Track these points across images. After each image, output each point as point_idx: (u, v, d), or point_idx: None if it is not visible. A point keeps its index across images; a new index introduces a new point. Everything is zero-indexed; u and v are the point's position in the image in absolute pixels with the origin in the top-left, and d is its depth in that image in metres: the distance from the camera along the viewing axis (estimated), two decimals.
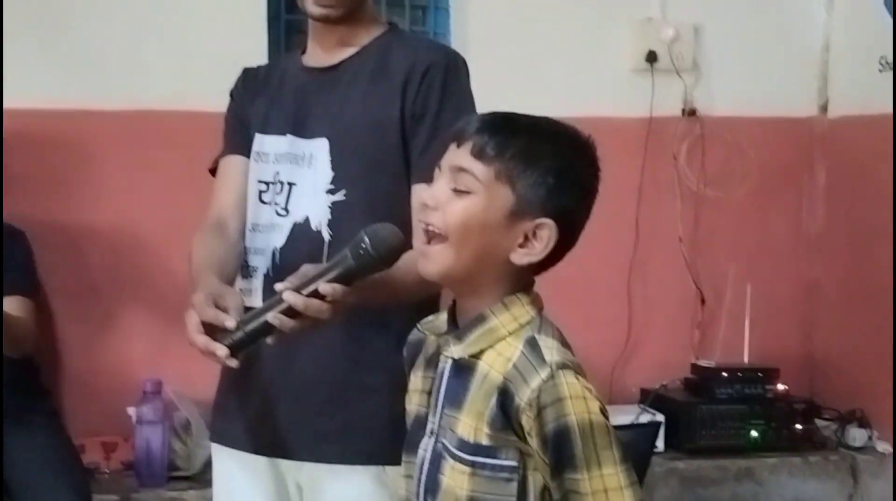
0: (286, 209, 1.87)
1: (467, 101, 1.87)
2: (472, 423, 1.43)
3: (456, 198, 1.44)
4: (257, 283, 1.89)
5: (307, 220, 1.85)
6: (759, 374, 3.22)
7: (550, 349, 1.42)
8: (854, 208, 3.47)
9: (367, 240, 1.52)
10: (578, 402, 1.38)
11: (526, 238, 1.43)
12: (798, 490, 3.18)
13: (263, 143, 1.93)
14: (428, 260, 1.46)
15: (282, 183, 1.88)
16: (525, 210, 1.42)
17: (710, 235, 3.48)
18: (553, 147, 1.44)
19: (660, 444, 3.11)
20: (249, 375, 1.85)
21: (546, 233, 1.43)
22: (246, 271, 1.92)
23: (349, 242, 1.59)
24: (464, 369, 1.46)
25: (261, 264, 1.89)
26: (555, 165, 1.43)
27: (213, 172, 2.04)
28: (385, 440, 1.77)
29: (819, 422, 3.32)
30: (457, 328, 1.49)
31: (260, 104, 1.96)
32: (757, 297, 3.32)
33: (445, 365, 1.49)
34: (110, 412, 2.98)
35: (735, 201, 3.46)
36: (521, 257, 1.44)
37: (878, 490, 3.21)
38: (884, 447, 3.25)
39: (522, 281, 1.47)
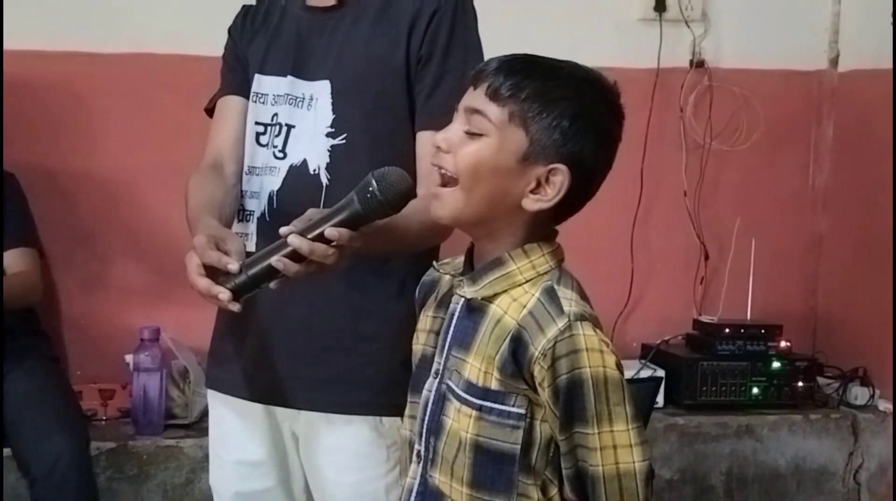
0: (283, 152, 1.88)
1: (475, 45, 1.88)
2: (481, 366, 1.44)
3: (468, 140, 1.45)
4: (252, 227, 1.90)
5: (305, 163, 1.86)
6: (762, 331, 3.27)
7: (569, 300, 1.43)
8: (862, 164, 3.50)
9: (374, 184, 1.52)
10: (594, 355, 1.39)
11: (538, 184, 1.43)
12: (798, 447, 3.24)
13: (262, 83, 1.93)
14: (440, 202, 1.47)
15: (280, 125, 1.89)
16: (538, 154, 1.43)
17: (715, 188, 3.51)
18: (571, 90, 1.43)
19: (660, 400, 3.17)
20: (245, 321, 1.86)
21: (559, 179, 1.43)
22: (241, 214, 1.92)
23: (348, 186, 1.60)
24: (475, 310, 1.48)
25: (256, 207, 1.90)
26: (571, 109, 1.42)
27: (209, 112, 2.04)
28: (382, 390, 1.80)
29: (821, 380, 3.38)
30: (473, 270, 1.50)
31: (259, 43, 1.95)
32: (761, 252, 3.37)
33: (457, 306, 1.51)
34: (107, 359, 3.04)
35: (741, 154, 3.49)
36: (532, 204, 1.44)
37: (879, 448, 3.28)
38: (885, 405, 3.31)
39: (542, 230, 1.48)
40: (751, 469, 3.22)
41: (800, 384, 3.28)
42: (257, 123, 1.93)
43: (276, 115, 1.91)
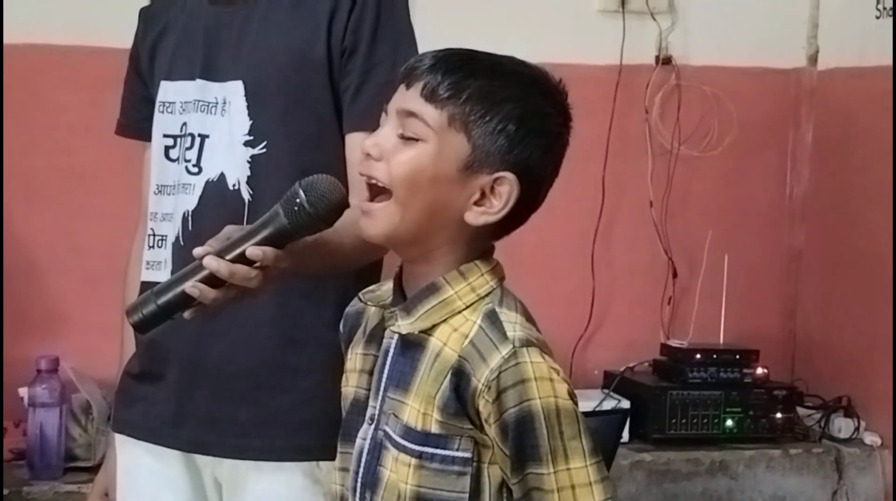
0: (198, 166, 1.81)
1: (406, 33, 1.81)
2: (420, 408, 1.39)
3: (403, 146, 1.39)
4: (166, 253, 1.83)
5: (222, 177, 1.79)
6: (737, 356, 3.21)
7: (513, 324, 1.38)
8: (844, 171, 3.45)
9: (302, 194, 1.44)
10: (544, 384, 1.34)
11: (483, 195, 1.39)
12: (777, 485, 3.17)
13: (168, 91, 1.86)
14: (370, 219, 1.41)
15: (192, 135, 1.82)
16: (482, 162, 1.38)
17: (684, 198, 3.45)
18: (517, 91, 1.39)
19: (625, 434, 3.08)
20: (162, 358, 1.81)
21: (506, 189, 1.39)
22: (152, 239, 1.86)
23: (274, 201, 1.53)
24: (412, 346, 1.42)
25: (170, 230, 1.83)
26: (517, 112, 1.38)
27: (121, 132, 2.01)
28: (319, 431, 1.72)
29: (801, 410, 3.31)
30: (404, 298, 1.44)
31: (165, 48, 1.88)
32: (734, 269, 3.31)
33: (391, 342, 1.45)
34: None
35: (712, 160, 3.42)
36: (476, 217, 1.39)
37: (865, 485, 3.22)
38: (871, 438, 3.25)
39: (480, 246, 1.43)
40: None
41: (778, 415, 3.22)
42: (165, 136, 1.86)
43: (185, 124, 1.83)
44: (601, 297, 3.37)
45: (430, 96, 1.38)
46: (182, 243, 1.81)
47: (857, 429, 3.27)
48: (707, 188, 3.47)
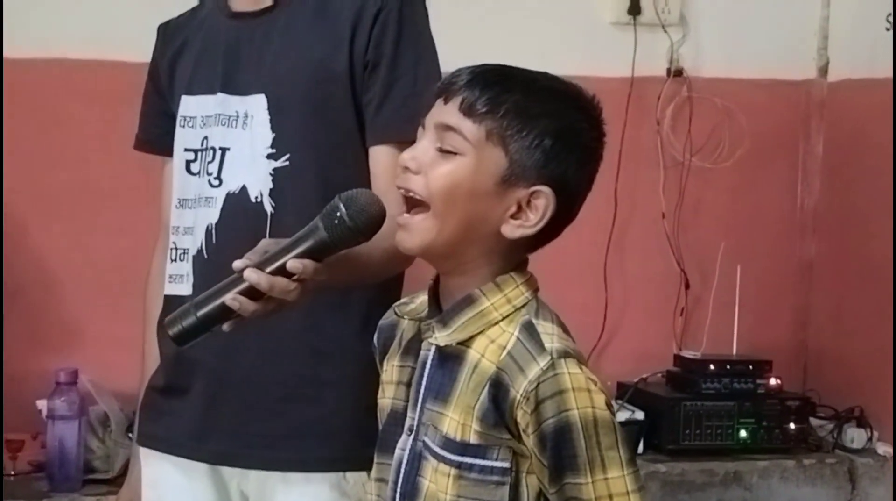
0: (219, 179, 1.82)
1: (427, 46, 1.84)
2: (459, 419, 1.41)
3: (441, 160, 1.41)
4: (187, 267, 1.85)
5: (244, 189, 1.81)
6: (750, 367, 3.22)
7: (550, 336, 1.40)
8: (854, 182, 3.47)
9: (343, 208, 1.47)
10: (582, 395, 1.36)
11: (519, 208, 1.41)
12: (791, 496, 3.18)
13: (188, 105, 1.88)
14: (408, 232, 1.43)
15: (213, 149, 1.84)
16: (519, 176, 1.41)
17: (696, 210, 3.47)
18: (552, 105, 1.42)
19: (639, 445, 3.11)
20: (186, 370, 1.82)
21: (542, 202, 1.41)
22: (174, 253, 1.88)
23: (296, 213, 1.56)
24: (450, 357, 1.44)
25: (191, 244, 1.85)
26: (553, 126, 1.41)
27: (140, 147, 2.03)
28: (347, 442, 1.75)
29: (814, 421, 3.33)
30: (440, 310, 1.46)
31: (186, 63, 1.90)
32: (746, 280, 3.32)
33: (428, 354, 1.47)
34: (16, 405, 2.91)
35: (724, 172, 3.45)
36: (513, 230, 1.42)
37: (879, 496, 3.23)
38: (885, 449, 3.27)
39: (515, 258, 1.46)
40: None
41: (791, 425, 3.23)
42: (186, 150, 1.88)
43: (206, 138, 1.85)
44: (614, 308, 3.39)
45: (468, 111, 1.41)
46: (205, 256, 1.82)
47: (869, 439, 3.29)
48: (719, 200, 3.49)
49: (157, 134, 1.96)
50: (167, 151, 1.93)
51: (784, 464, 3.19)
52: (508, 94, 1.41)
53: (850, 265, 3.48)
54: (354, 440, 1.73)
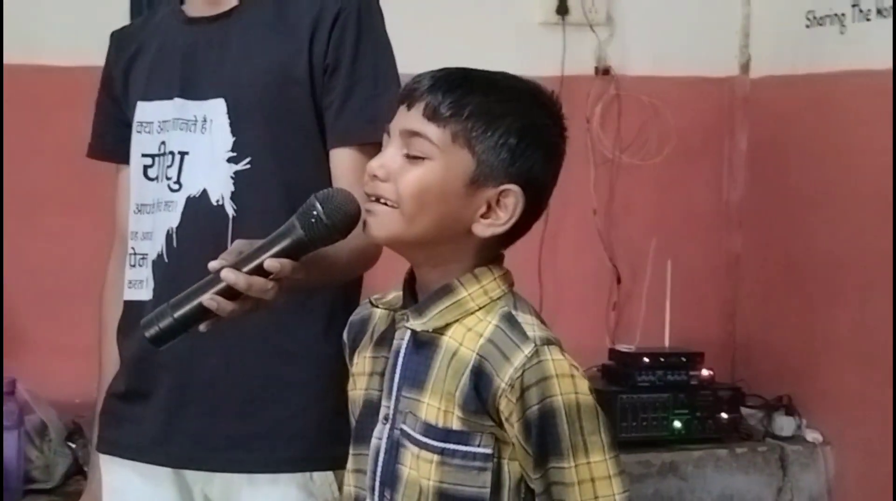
0: (179, 183, 1.82)
1: (386, 49, 1.86)
2: (439, 405, 1.43)
3: (409, 166, 1.43)
4: (146, 272, 1.85)
5: (205, 193, 1.81)
6: (683, 359, 3.28)
7: (531, 325, 1.43)
8: (778, 177, 3.56)
9: (319, 207, 1.47)
10: (566, 381, 1.39)
11: (489, 207, 1.44)
12: (725, 484, 3.25)
13: (145, 111, 1.88)
14: (375, 220, 1.45)
15: (172, 153, 1.83)
16: (487, 176, 1.43)
17: (627, 206, 3.54)
18: (514, 105, 1.45)
19: None
20: (149, 375, 1.82)
21: (511, 201, 1.44)
22: (132, 258, 1.87)
23: (259, 216, 1.56)
24: (425, 344, 1.46)
25: (150, 249, 1.84)
26: (517, 125, 1.43)
27: (94, 155, 2.01)
28: (313, 443, 1.76)
29: (745, 410, 3.40)
30: (415, 302, 1.48)
31: (140, 69, 1.90)
32: (677, 274, 3.39)
33: (402, 342, 1.49)
34: None
35: (653, 168, 3.52)
36: (484, 229, 1.44)
37: (808, 482, 3.32)
38: (813, 435, 3.35)
39: (489, 254, 1.48)
40: None
41: (724, 415, 3.30)
42: (144, 155, 1.87)
43: (163, 143, 1.84)
44: (548, 304, 3.41)
45: (432, 116, 1.43)
46: (166, 261, 1.82)
47: (798, 427, 3.37)
48: (648, 196, 3.56)
49: (111, 142, 1.95)
50: (122, 158, 1.92)
51: (717, 453, 3.26)
52: (471, 96, 1.43)
53: (775, 258, 3.56)
54: (321, 440, 1.74)
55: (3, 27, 2.97)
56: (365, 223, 1.46)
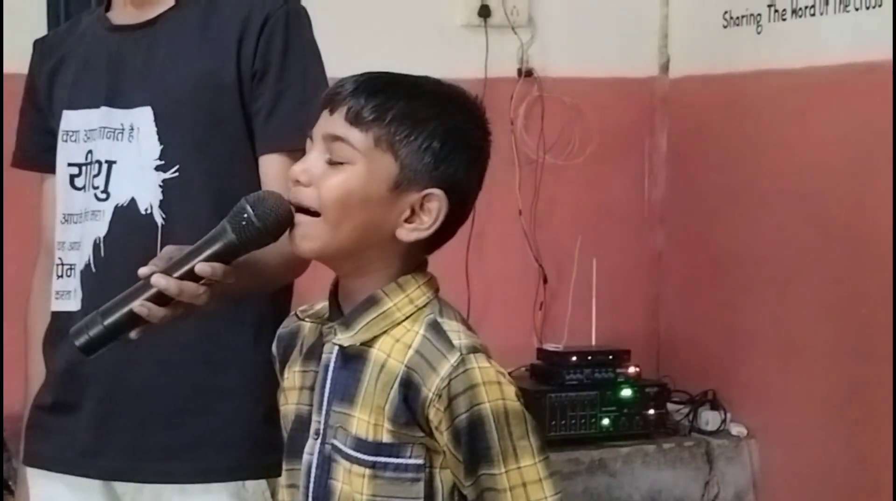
0: (106, 192, 1.82)
1: (314, 54, 1.86)
2: (369, 419, 1.43)
3: (332, 171, 1.43)
4: (75, 282, 1.83)
5: (133, 202, 1.80)
6: (610, 357, 3.32)
7: (457, 333, 1.44)
8: (697, 175, 3.61)
9: (250, 210, 1.47)
10: (493, 388, 1.40)
11: (413, 212, 1.44)
12: (653, 479, 3.29)
13: (70, 120, 1.86)
14: (301, 234, 1.45)
15: (99, 162, 1.83)
16: (410, 180, 1.44)
17: (551, 206, 3.56)
18: (438, 109, 1.46)
19: None
20: (76, 386, 1.81)
21: (435, 205, 1.44)
22: (60, 268, 1.86)
23: (188, 224, 1.55)
24: (353, 358, 1.46)
25: (78, 259, 1.83)
26: (440, 129, 1.44)
27: (18, 164, 2.00)
28: (245, 451, 1.76)
29: (670, 406, 3.44)
30: (341, 313, 1.48)
31: (64, 77, 1.89)
32: (602, 273, 3.42)
33: (331, 356, 1.48)
34: None
35: (576, 168, 3.55)
36: (408, 234, 1.44)
37: (734, 475, 3.36)
38: (738, 429, 3.40)
39: (413, 260, 1.49)
40: None
41: (650, 411, 3.34)
42: (70, 165, 1.86)
43: (90, 152, 1.84)
44: (476, 305, 3.43)
45: (354, 120, 1.43)
46: (93, 271, 1.81)
47: (723, 421, 3.42)
48: (572, 195, 3.59)
49: (36, 151, 1.94)
50: (47, 167, 1.91)
51: (645, 449, 3.30)
52: (394, 100, 1.44)
53: (696, 254, 3.61)
54: (253, 448, 1.74)
55: None
56: (291, 237, 1.46)
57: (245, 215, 1.47)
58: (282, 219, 1.48)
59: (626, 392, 3.30)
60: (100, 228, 1.81)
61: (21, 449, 1.94)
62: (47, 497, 1.88)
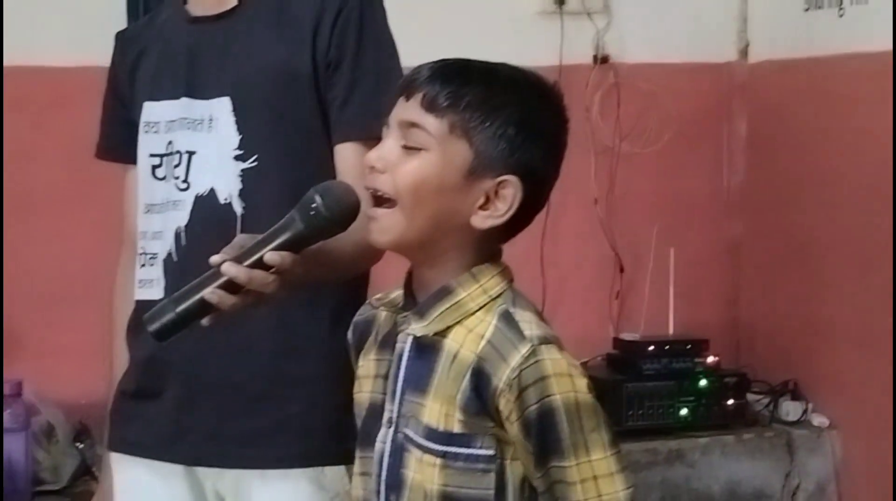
0: (187, 182, 1.84)
1: (388, 43, 1.87)
2: (441, 409, 1.43)
3: (407, 157, 1.43)
4: (158, 271, 1.85)
5: (212, 192, 1.82)
6: (688, 346, 3.29)
7: (529, 323, 1.43)
8: (777, 162, 3.56)
9: (318, 199, 1.47)
10: (563, 380, 1.39)
11: (487, 199, 1.43)
12: (732, 470, 3.26)
13: (152, 111, 1.89)
14: (378, 226, 1.45)
15: (179, 153, 1.85)
16: (485, 167, 1.42)
17: (627, 194, 3.53)
18: (513, 95, 1.44)
19: None
20: (158, 373, 1.83)
21: (510, 192, 1.43)
22: (143, 258, 1.88)
23: (266, 213, 1.57)
24: (427, 348, 1.46)
25: (160, 248, 1.85)
26: (516, 116, 1.43)
27: (102, 156, 2.02)
28: (324, 437, 1.77)
29: (750, 396, 3.40)
30: (416, 303, 1.48)
31: (146, 69, 1.91)
32: (679, 262, 3.39)
33: (405, 345, 1.48)
34: None
35: (653, 156, 3.51)
36: (482, 221, 1.43)
37: (816, 466, 3.32)
38: (820, 420, 3.36)
39: (488, 249, 1.48)
40: (684, 497, 3.22)
41: (730, 401, 3.31)
42: (151, 155, 1.88)
43: (171, 142, 1.86)
44: (551, 295, 3.42)
45: (429, 106, 1.43)
46: (175, 260, 1.83)
47: (805, 412, 3.37)
48: (649, 184, 3.55)
49: (118, 142, 1.96)
50: (129, 158, 1.93)
51: (724, 440, 3.27)
52: (469, 86, 1.43)
53: (776, 242, 3.57)
54: (330, 435, 1.75)
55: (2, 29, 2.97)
56: (369, 231, 1.46)
57: (314, 205, 1.47)
58: (349, 209, 1.49)
59: (705, 382, 3.27)
60: (181, 217, 1.83)
61: (105, 435, 1.97)
62: (131, 481, 1.90)
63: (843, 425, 3.32)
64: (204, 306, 1.48)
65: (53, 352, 2.97)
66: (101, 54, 2.04)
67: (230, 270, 1.46)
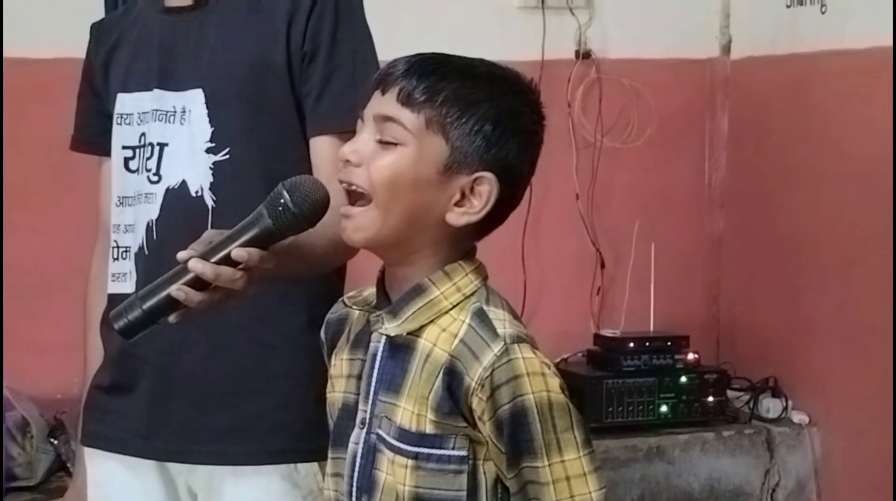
0: (158, 175, 1.82)
1: (364, 35, 1.84)
2: (413, 409, 1.41)
3: (382, 151, 1.41)
4: (129, 264, 1.84)
5: (184, 184, 1.80)
6: (668, 343, 3.29)
7: (502, 321, 1.41)
8: (759, 158, 3.56)
9: (286, 195, 1.45)
10: (536, 379, 1.37)
11: (463, 195, 1.42)
12: (712, 467, 3.26)
13: (125, 103, 1.87)
14: (352, 224, 1.43)
15: (151, 145, 1.83)
16: (461, 163, 1.41)
17: (609, 190, 3.53)
18: (491, 91, 1.43)
19: None
20: (132, 368, 1.81)
21: (486, 188, 1.42)
22: (116, 251, 1.86)
23: (238, 207, 1.55)
24: (401, 348, 1.44)
25: (132, 241, 1.84)
26: (493, 112, 1.41)
27: (77, 148, 2.00)
28: (297, 434, 1.75)
29: (730, 393, 3.40)
30: (389, 302, 1.46)
31: (120, 60, 1.89)
32: (660, 257, 3.38)
33: (378, 345, 1.47)
34: None
35: (634, 151, 3.51)
36: (458, 218, 1.42)
37: (796, 463, 3.33)
38: (800, 417, 3.36)
39: (462, 247, 1.46)
40: (664, 494, 3.22)
41: (710, 398, 3.30)
42: (124, 147, 1.86)
43: (143, 135, 1.84)
44: (532, 290, 3.42)
45: (406, 101, 1.41)
46: (146, 253, 1.81)
47: (785, 409, 3.37)
48: (631, 179, 3.55)
49: (93, 134, 1.94)
50: (104, 150, 1.91)
51: (704, 437, 3.27)
52: (446, 81, 1.41)
53: (757, 239, 3.57)
54: (305, 431, 1.74)
55: None
56: (343, 230, 1.44)
57: (282, 201, 1.45)
58: (318, 205, 1.47)
59: (685, 379, 3.27)
60: (152, 210, 1.81)
61: (79, 430, 1.95)
62: (104, 476, 1.89)
63: (822, 422, 3.32)
64: (171, 303, 1.46)
65: (29, 347, 2.94)
66: (79, 46, 2.02)
67: (196, 266, 1.44)
